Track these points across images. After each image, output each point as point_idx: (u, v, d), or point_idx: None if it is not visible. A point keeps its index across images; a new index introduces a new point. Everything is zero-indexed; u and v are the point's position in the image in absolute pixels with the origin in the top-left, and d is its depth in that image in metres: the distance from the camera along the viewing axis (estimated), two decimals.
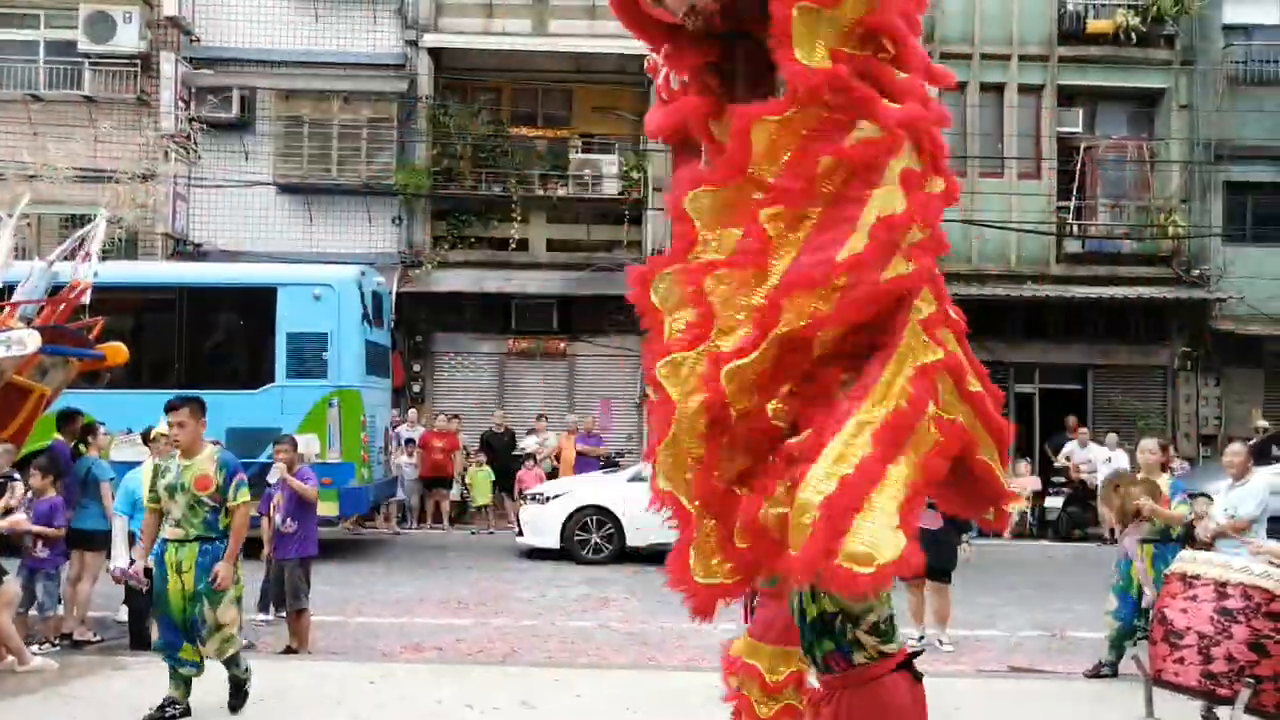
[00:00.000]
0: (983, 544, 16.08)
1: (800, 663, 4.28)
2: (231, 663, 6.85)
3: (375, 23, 20.29)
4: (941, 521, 9.13)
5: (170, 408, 6.84)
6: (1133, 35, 20.35)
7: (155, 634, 7.12)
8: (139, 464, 9.37)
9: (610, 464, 17.50)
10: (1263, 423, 18.55)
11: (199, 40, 20.31)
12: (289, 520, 9.26)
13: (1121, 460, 16.74)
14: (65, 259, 9.10)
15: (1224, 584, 6.30)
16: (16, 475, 8.80)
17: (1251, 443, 11.76)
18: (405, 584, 12.42)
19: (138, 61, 19.83)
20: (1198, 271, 20.43)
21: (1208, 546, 7.85)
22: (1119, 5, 20.63)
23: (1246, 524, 7.80)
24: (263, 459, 12.54)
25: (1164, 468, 8.63)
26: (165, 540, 6.74)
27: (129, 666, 7.85)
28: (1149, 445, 8.72)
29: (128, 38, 19.50)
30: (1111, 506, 8.43)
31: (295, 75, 20.22)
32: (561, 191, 19.90)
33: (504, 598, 11.67)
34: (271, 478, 9.53)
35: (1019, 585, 12.95)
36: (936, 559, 9.18)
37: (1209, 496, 9.06)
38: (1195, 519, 8.48)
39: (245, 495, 6.83)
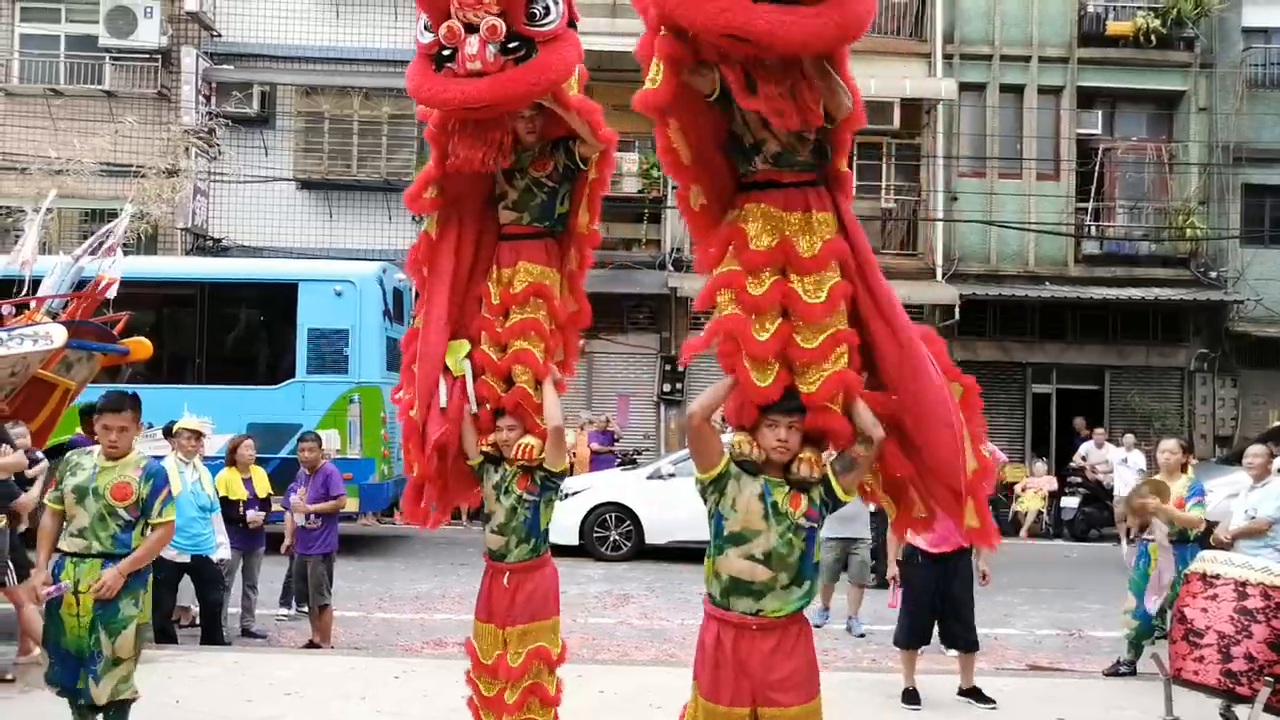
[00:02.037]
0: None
1: (505, 645, 5.41)
2: (120, 713, 5.72)
3: (396, 19, 20.34)
4: None
5: (113, 408, 5.69)
6: (1152, 37, 20.34)
7: (46, 665, 5.83)
8: (160, 459, 9.45)
9: (628, 461, 17.54)
10: (1276, 424, 18.51)
11: (220, 35, 20.43)
12: (313, 516, 9.33)
13: (1138, 461, 16.75)
14: (90, 254, 9.19)
15: (1244, 584, 6.33)
16: (41, 454, 8.85)
17: (1253, 438, 11.79)
18: (425, 580, 12.49)
19: (158, 57, 19.97)
20: (1215, 274, 20.40)
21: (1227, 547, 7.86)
22: (1139, 7, 20.63)
23: (1267, 525, 7.81)
24: (283, 454, 12.64)
25: (1184, 468, 8.62)
26: (62, 554, 5.64)
27: (155, 659, 7.91)
28: (1169, 445, 8.71)
29: (148, 33, 19.63)
30: (1134, 516, 8.45)
31: (316, 71, 20.32)
32: None
33: None
34: (297, 518, 9.54)
35: (1037, 584, 12.97)
36: None
37: None
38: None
39: (171, 514, 5.85)
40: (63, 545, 5.64)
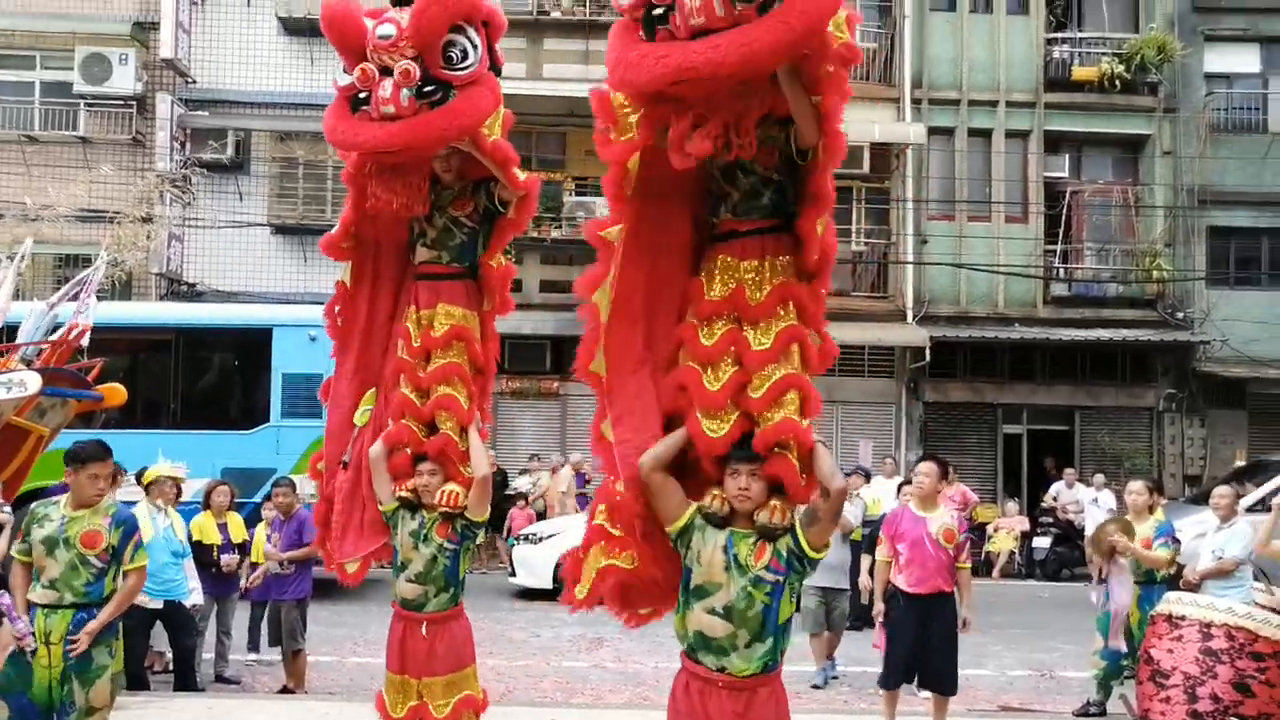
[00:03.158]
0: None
1: (420, 697, 5.38)
2: None
3: None
4: None
5: (99, 456, 5.73)
6: (1117, 83, 20.69)
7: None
8: (133, 504, 9.41)
9: None
10: (1240, 463, 18.74)
11: (195, 82, 20.51)
12: (285, 562, 9.33)
13: (1108, 500, 16.89)
14: (69, 300, 9.20)
15: (1209, 625, 6.43)
16: (8, 508, 8.80)
17: (1220, 478, 11.93)
18: None
19: (133, 103, 20.04)
20: (1182, 315, 20.68)
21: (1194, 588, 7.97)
22: (1103, 53, 20.99)
23: (1234, 565, 7.93)
24: (257, 499, 12.62)
25: (1152, 510, 8.73)
26: (33, 605, 5.58)
27: (128, 706, 7.86)
28: (1136, 486, 8.84)
29: (123, 79, 19.72)
30: (1099, 553, 8.54)
31: (290, 117, 20.40)
32: (555, 233, 20.03)
33: (498, 638, 11.70)
34: (271, 565, 9.53)
35: (1007, 625, 13.02)
36: None
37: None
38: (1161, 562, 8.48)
39: (144, 559, 5.90)
40: (33, 597, 5.59)
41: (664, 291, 4.48)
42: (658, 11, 3.85)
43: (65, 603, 5.54)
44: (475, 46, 4.96)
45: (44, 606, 5.54)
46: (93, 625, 5.53)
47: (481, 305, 5.72)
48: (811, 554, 4.05)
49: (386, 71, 4.84)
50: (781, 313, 4.19)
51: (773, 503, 4.10)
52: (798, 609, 4.42)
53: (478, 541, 5.68)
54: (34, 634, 5.51)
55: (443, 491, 5.37)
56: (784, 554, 4.05)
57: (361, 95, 4.92)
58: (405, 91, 4.80)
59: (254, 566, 9.74)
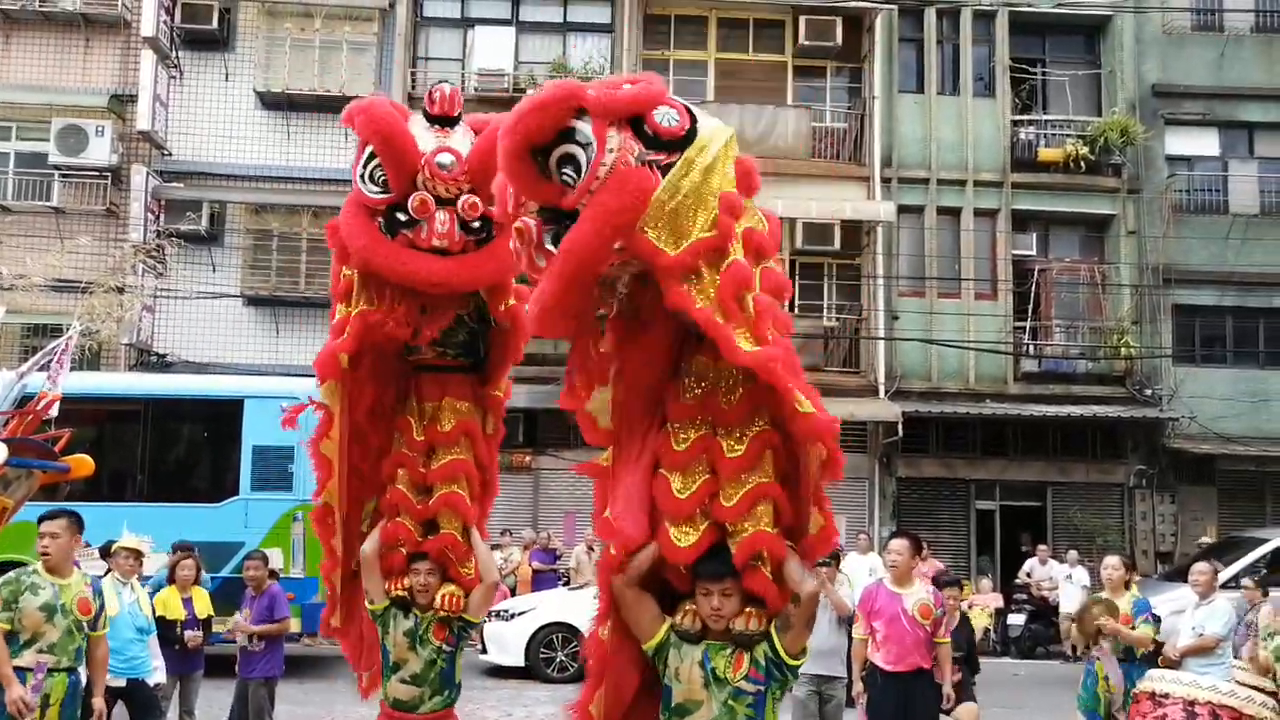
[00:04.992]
0: None
1: None
2: None
3: (346, 139, 20.55)
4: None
5: (46, 517, 6.27)
6: (1082, 164, 21.06)
7: None
8: (99, 578, 9.21)
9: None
10: (1210, 539, 18.82)
11: (171, 154, 20.53)
12: (255, 639, 9.13)
13: (1082, 577, 16.89)
14: (39, 370, 9.09)
15: (1192, 702, 6.40)
16: None
17: (1192, 556, 11.97)
18: (368, 703, 12.17)
19: (108, 174, 20.00)
20: (1150, 391, 20.85)
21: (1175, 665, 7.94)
22: (1068, 135, 21.39)
23: (1215, 642, 7.92)
24: (224, 574, 12.41)
25: (1127, 585, 8.71)
26: (23, 670, 5.80)
27: None
28: (1112, 562, 8.83)
29: (99, 151, 19.66)
30: (1084, 634, 8.49)
31: (266, 190, 20.45)
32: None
33: (470, 717, 11.44)
34: (239, 639, 9.34)
35: (984, 704, 12.82)
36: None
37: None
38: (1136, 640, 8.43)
39: (107, 625, 6.56)
40: (25, 661, 5.80)
41: (655, 393, 4.25)
42: (402, 217, 4.65)
43: (62, 666, 5.93)
44: None
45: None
46: (99, 700, 6.20)
47: (485, 409, 5.55)
48: (789, 661, 3.92)
49: (441, 202, 4.77)
50: (756, 419, 3.99)
51: (748, 609, 3.97)
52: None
53: (479, 632, 5.62)
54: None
55: (443, 595, 5.16)
56: (762, 662, 3.92)
57: (402, 217, 4.78)
58: (459, 228, 4.80)
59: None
